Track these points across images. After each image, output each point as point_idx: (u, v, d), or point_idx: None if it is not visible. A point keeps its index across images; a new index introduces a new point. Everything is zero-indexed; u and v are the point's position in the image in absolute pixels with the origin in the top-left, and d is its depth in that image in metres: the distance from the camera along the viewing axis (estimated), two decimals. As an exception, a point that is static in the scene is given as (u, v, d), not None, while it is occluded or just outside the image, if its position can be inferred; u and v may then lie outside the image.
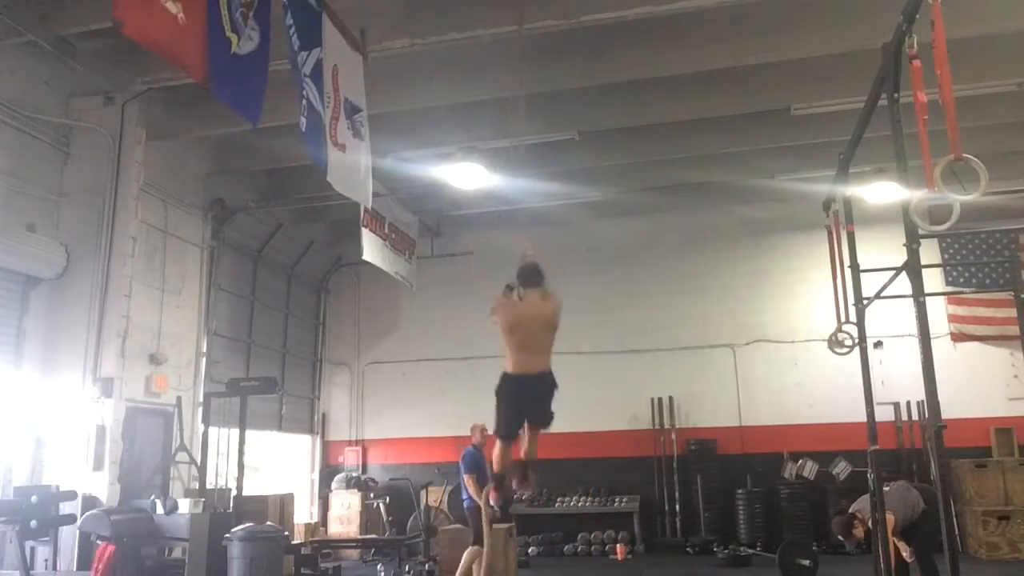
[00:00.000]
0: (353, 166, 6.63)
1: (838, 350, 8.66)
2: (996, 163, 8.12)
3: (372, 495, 13.19)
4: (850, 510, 7.10)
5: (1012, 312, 8.65)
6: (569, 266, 13.76)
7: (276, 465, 13.61)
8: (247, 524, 7.74)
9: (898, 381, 11.48)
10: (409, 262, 12.99)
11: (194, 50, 4.69)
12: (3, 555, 8.08)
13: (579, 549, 12.50)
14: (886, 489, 6.64)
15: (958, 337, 12.27)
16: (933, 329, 4.85)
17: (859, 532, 6.93)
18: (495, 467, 5.64)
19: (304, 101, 5.89)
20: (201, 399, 10.71)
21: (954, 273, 12.09)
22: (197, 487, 9.75)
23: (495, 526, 9.56)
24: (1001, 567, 10.01)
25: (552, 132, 10.31)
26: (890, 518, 6.42)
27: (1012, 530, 10.62)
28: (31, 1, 7.80)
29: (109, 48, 8.69)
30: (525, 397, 5.33)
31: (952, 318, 12.30)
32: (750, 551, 11.35)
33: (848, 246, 7.60)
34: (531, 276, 5.45)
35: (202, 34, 4.72)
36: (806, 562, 9.17)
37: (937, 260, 11.70)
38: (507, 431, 5.41)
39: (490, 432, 8.88)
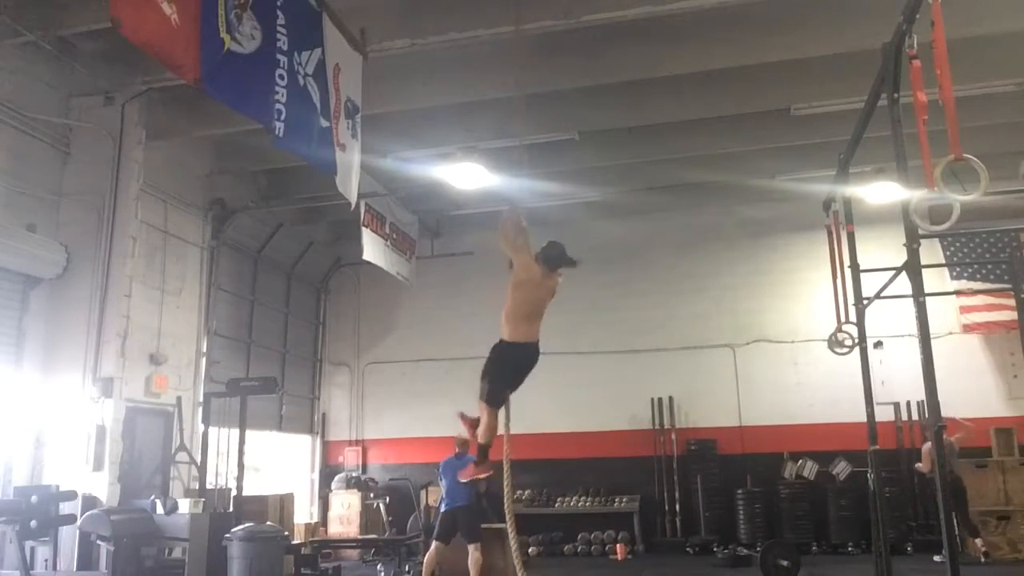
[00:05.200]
0: (348, 166, 6.66)
1: (838, 350, 8.67)
2: (996, 163, 8.13)
3: (372, 495, 13.17)
4: None
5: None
6: (569, 266, 13.78)
7: (276, 465, 13.61)
8: (247, 524, 7.74)
9: (898, 381, 11.50)
10: (410, 262, 13.00)
11: (186, 51, 4.70)
12: (3, 555, 8.07)
13: (579, 549, 12.49)
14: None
15: (971, 327, 12.09)
16: (934, 328, 4.85)
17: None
18: (481, 437, 5.69)
19: (312, 100, 5.92)
20: (201, 399, 10.71)
21: (958, 268, 12.03)
22: (197, 487, 9.75)
23: (491, 526, 9.55)
24: (1001, 567, 10.00)
25: (552, 132, 10.30)
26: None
27: (1012, 530, 10.63)
28: (32, 1, 7.80)
29: (109, 48, 8.68)
30: (522, 365, 5.51)
31: (964, 309, 12.05)
32: (750, 551, 11.35)
33: (848, 246, 7.61)
34: (561, 261, 5.55)
35: (196, 35, 4.73)
36: (784, 563, 9.18)
37: (938, 260, 11.67)
38: (499, 399, 5.56)
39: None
